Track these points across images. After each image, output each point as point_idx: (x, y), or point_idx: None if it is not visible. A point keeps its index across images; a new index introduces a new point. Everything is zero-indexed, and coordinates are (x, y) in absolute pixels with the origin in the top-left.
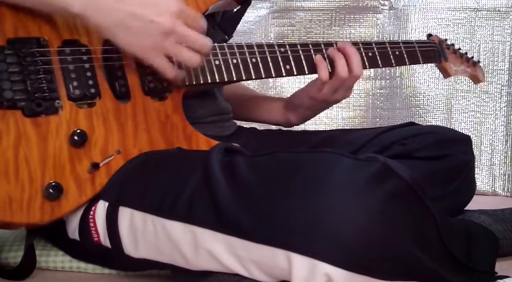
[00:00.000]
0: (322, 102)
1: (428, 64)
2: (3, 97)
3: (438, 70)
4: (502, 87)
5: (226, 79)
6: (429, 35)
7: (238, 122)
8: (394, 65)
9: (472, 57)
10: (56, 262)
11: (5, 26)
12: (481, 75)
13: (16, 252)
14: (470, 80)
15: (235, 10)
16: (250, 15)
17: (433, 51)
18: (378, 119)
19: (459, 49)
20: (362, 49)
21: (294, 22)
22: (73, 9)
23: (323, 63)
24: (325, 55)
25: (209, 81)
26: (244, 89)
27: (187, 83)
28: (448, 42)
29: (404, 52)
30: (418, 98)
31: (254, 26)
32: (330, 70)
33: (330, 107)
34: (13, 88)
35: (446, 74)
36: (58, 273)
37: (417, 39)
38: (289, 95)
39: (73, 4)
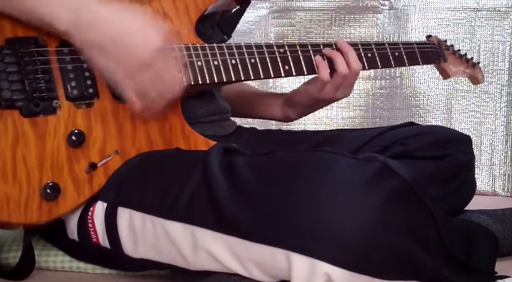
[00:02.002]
0: (324, 101)
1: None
2: (1, 97)
3: (438, 71)
4: (502, 87)
5: (224, 80)
6: (429, 36)
7: (238, 123)
8: (393, 66)
9: (472, 58)
10: (56, 262)
11: (4, 26)
12: (481, 77)
13: (16, 252)
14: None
15: (234, 10)
16: (250, 15)
17: (432, 52)
18: (378, 119)
19: (459, 50)
20: (361, 50)
21: (294, 22)
22: (59, 26)
23: (323, 63)
24: (324, 56)
25: (208, 82)
26: (243, 85)
27: (185, 84)
28: (448, 42)
29: (403, 53)
30: (418, 98)
31: (254, 26)
32: (329, 70)
33: (330, 107)
34: (11, 88)
35: (445, 75)
36: (58, 273)
37: (417, 40)
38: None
39: (60, 21)
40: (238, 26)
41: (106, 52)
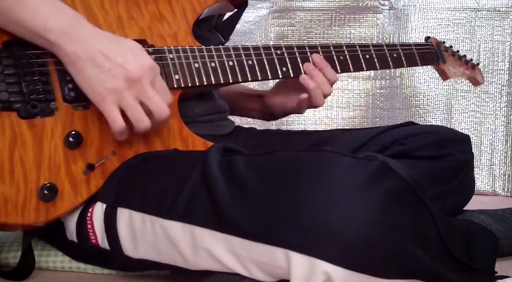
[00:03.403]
0: (299, 111)
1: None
2: None
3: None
4: (502, 87)
5: (222, 81)
6: (427, 38)
7: (237, 122)
8: (391, 67)
9: (472, 59)
10: (56, 262)
11: (1, 29)
12: (480, 78)
13: (16, 252)
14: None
15: (231, 13)
16: (250, 15)
17: (431, 54)
18: (378, 119)
19: (458, 51)
20: (359, 51)
21: (294, 22)
22: (49, 37)
23: (304, 105)
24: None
25: (205, 83)
26: (240, 86)
27: (182, 86)
28: (448, 43)
29: (402, 54)
30: (418, 98)
31: (254, 26)
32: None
33: (330, 107)
34: (8, 90)
35: (444, 76)
36: (58, 273)
37: (417, 40)
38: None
39: (50, 32)
40: (238, 26)
41: (95, 64)
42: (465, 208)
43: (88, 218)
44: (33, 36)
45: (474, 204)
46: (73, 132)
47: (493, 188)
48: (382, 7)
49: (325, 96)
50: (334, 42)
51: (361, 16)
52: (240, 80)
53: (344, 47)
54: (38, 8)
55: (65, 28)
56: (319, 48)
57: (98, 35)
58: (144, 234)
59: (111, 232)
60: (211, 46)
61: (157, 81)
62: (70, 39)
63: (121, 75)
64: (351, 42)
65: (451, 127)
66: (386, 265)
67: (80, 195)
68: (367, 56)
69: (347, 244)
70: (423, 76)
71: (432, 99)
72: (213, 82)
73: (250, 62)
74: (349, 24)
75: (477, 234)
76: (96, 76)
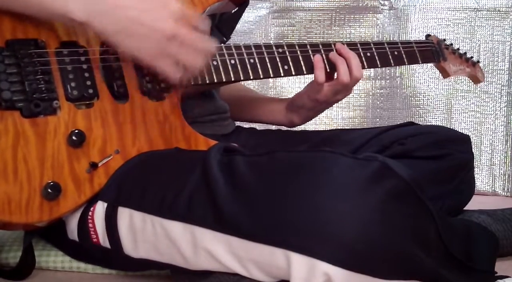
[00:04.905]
0: (324, 103)
1: (428, 64)
2: (1, 98)
3: (438, 70)
4: (502, 87)
5: (224, 80)
6: (428, 36)
7: (237, 123)
8: (393, 65)
9: (472, 57)
10: (56, 262)
11: (4, 27)
12: (481, 75)
13: (16, 252)
14: (470, 80)
15: (232, 12)
16: (250, 15)
17: (432, 51)
18: (378, 119)
19: (458, 49)
20: (360, 49)
21: (294, 22)
22: (74, 15)
23: (320, 64)
24: (323, 56)
25: (207, 82)
26: (244, 90)
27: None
28: (447, 42)
29: (402, 52)
30: (418, 98)
31: (254, 26)
32: (329, 70)
33: (330, 107)
34: (11, 89)
35: (445, 74)
36: (58, 273)
37: (416, 39)
38: (289, 95)
39: (74, 11)
40: (238, 26)
41: (130, 34)
42: (465, 208)
43: (89, 217)
44: (54, 17)
45: (474, 204)
46: (76, 131)
47: (493, 188)
48: (382, 7)
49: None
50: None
51: (361, 16)
52: (242, 78)
53: (345, 45)
54: None
55: (88, 6)
56: (320, 46)
57: (119, 2)
58: (144, 233)
59: (112, 231)
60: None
61: (192, 21)
62: (95, 16)
63: (158, 35)
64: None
65: (451, 127)
66: (386, 266)
67: (84, 194)
68: (368, 54)
69: (347, 244)
70: (423, 76)
71: (432, 99)
72: (215, 81)
73: (252, 60)
74: (349, 24)
75: (477, 234)
76: (135, 45)
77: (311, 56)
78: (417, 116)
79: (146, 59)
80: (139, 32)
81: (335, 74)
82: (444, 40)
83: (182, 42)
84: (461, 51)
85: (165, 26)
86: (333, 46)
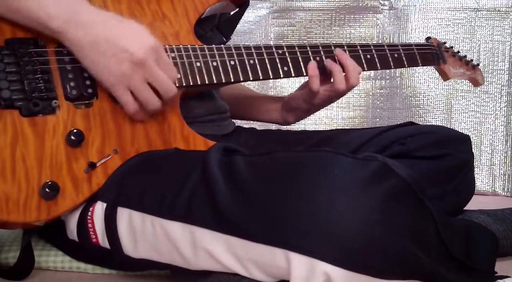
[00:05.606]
0: (319, 105)
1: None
2: (0, 96)
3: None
4: (502, 87)
5: (224, 81)
6: (428, 38)
7: (237, 123)
8: (393, 67)
9: (472, 60)
10: (56, 262)
11: (3, 26)
12: (481, 78)
13: (16, 252)
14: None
15: (233, 12)
16: (250, 15)
17: (432, 54)
18: (378, 119)
19: (458, 52)
20: (360, 51)
21: (294, 22)
22: (52, 25)
23: (315, 72)
24: (323, 58)
25: (207, 82)
26: (241, 89)
27: (184, 84)
28: (448, 43)
29: (402, 54)
30: (418, 98)
31: (254, 26)
32: (328, 74)
33: (330, 107)
34: (10, 88)
35: (445, 77)
36: (58, 273)
37: (417, 40)
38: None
39: (52, 20)
40: (238, 26)
41: (100, 51)
42: (465, 208)
43: (88, 217)
44: (37, 25)
45: (474, 204)
46: (74, 130)
47: (493, 188)
48: (382, 7)
49: (351, 83)
50: (334, 42)
51: (361, 16)
52: (241, 79)
53: (345, 47)
54: None
55: (67, 15)
56: (320, 48)
57: (100, 19)
58: (144, 233)
59: (111, 231)
60: (213, 46)
61: (162, 60)
62: (72, 26)
63: (126, 59)
64: (352, 42)
65: (451, 127)
66: (385, 265)
67: (82, 194)
68: (368, 56)
69: (347, 244)
70: (423, 76)
71: (432, 99)
72: (215, 82)
73: (251, 61)
74: (349, 24)
75: (477, 234)
76: (102, 63)
77: (311, 57)
78: (417, 116)
79: (106, 81)
80: (109, 51)
81: (332, 78)
82: (444, 42)
83: (146, 75)
84: (461, 54)
85: (136, 52)
86: (332, 47)
